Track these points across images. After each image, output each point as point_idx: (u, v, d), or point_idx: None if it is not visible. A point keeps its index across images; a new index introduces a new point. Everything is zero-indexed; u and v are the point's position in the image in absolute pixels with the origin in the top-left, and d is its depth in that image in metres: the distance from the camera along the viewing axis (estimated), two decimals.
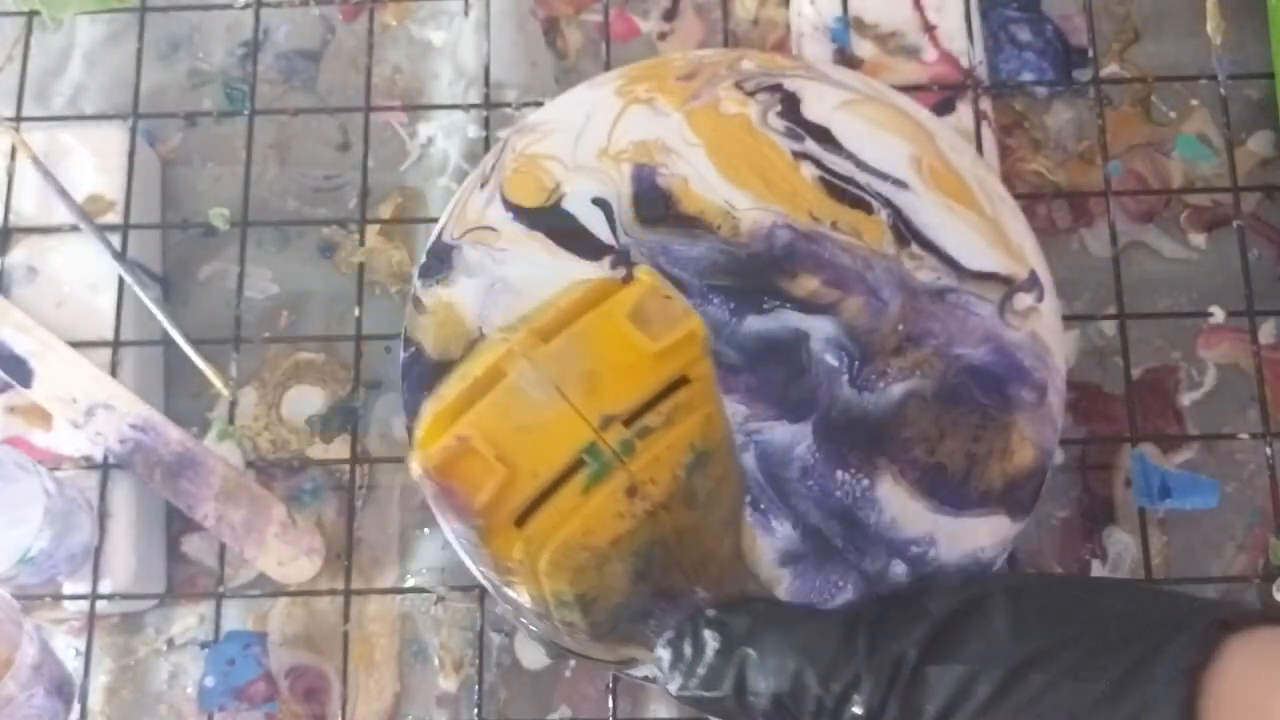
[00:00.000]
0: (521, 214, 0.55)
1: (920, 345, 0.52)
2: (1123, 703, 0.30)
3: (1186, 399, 0.60)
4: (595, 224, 0.55)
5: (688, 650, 0.36)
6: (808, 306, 0.52)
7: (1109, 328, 0.60)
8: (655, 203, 0.55)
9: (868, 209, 0.54)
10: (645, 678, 0.50)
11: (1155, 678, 0.30)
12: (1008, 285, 0.52)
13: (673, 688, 0.36)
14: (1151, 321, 0.60)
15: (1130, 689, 0.30)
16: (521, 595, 0.36)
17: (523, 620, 0.43)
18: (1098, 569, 0.57)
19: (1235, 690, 0.29)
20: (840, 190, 0.55)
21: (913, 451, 0.51)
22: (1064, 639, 0.32)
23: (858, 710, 0.34)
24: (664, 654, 0.37)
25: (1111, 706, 0.30)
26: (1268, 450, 0.56)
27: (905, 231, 0.53)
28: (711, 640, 0.36)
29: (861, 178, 0.55)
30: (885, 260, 0.52)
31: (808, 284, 0.53)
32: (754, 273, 0.53)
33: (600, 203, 0.55)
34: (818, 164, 0.55)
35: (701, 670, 0.36)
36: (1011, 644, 0.32)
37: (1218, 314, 0.59)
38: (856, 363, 0.52)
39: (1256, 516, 0.58)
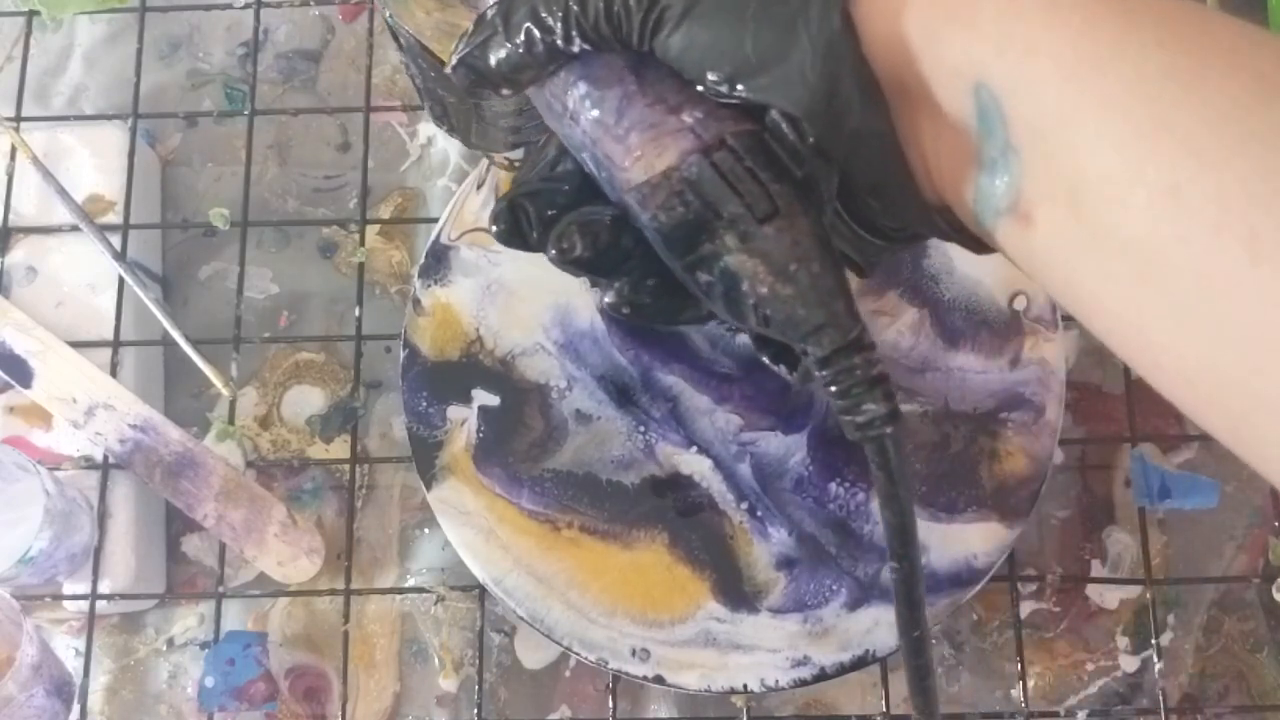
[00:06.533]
0: None
1: (911, 394, 0.52)
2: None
3: None
4: None
5: None
6: None
7: None
8: None
9: None
10: (644, 678, 0.50)
11: None
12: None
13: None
14: None
15: None
16: None
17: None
18: (1097, 569, 0.57)
19: None
20: None
21: (912, 465, 0.51)
22: None
23: None
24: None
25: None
26: None
27: None
28: None
29: None
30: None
31: None
32: None
33: None
34: None
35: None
36: None
37: None
38: None
39: (1256, 516, 0.58)
